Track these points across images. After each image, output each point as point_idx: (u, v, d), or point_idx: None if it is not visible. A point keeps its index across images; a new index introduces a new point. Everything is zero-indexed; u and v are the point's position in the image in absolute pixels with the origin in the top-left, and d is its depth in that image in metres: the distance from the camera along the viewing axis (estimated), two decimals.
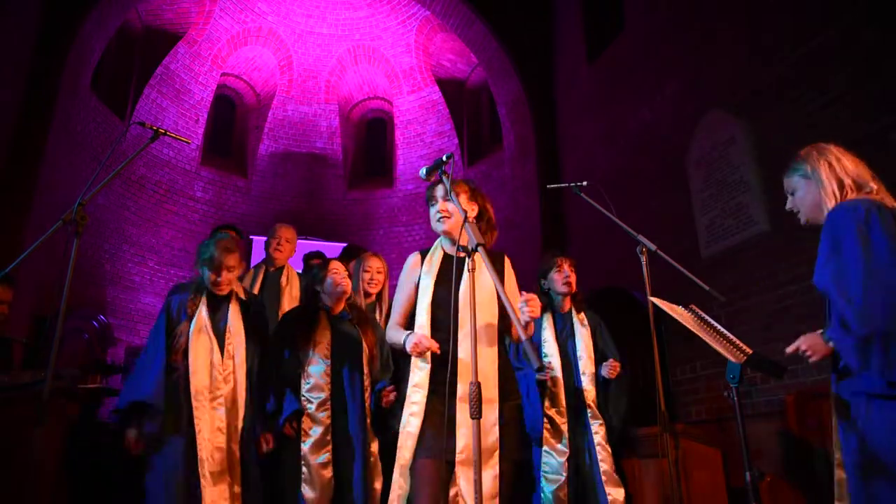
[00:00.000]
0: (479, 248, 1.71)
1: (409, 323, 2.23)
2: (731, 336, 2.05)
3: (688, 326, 2.08)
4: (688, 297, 2.47)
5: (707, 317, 2.10)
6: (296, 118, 9.38)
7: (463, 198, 2.23)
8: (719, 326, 2.07)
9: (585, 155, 6.44)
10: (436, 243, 2.30)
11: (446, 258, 2.24)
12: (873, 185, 1.86)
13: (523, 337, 1.52)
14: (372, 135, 10.01)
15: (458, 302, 2.08)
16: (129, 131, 7.43)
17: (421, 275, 2.22)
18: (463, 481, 1.95)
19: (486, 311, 2.10)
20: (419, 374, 2.10)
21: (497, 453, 1.98)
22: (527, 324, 2.01)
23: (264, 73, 9.32)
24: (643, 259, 2.75)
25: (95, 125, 7.02)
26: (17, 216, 5.30)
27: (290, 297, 3.80)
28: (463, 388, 2.00)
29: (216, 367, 2.65)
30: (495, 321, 2.13)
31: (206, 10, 8.23)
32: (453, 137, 9.12)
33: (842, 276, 1.71)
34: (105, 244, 7.31)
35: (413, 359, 2.12)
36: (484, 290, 2.11)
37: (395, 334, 2.21)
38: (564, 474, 2.95)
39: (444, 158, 1.97)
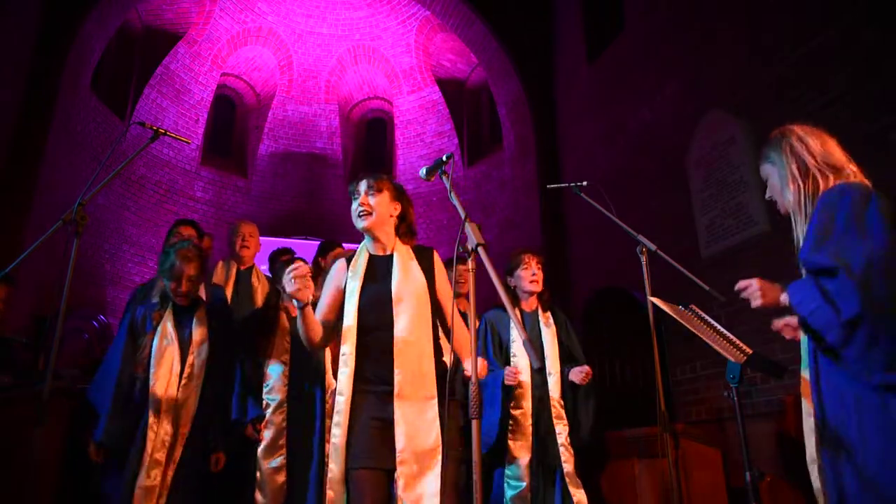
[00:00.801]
0: (479, 249, 1.70)
1: (330, 329, 2.16)
2: (731, 336, 2.04)
3: (688, 326, 2.08)
4: (688, 297, 2.47)
5: (707, 317, 2.10)
6: (296, 118, 9.37)
7: (386, 196, 2.18)
8: (719, 326, 2.07)
9: (585, 155, 6.44)
10: (360, 247, 2.23)
11: (371, 260, 2.19)
12: (852, 168, 1.77)
13: (523, 336, 1.52)
14: (372, 135, 10.00)
15: (392, 298, 2.05)
16: (129, 131, 7.42)
17: (347, 279, 2.15)
18: (408, 487, 1.88)
19: (421, 307, 2.08)
20: (342, 379, 2.03)
21: (439, 451, 1.92)
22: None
23: (264, 73, 9.32)
24: (643, 259, 2.75)
25: (95, 125, 7.01)
26: (17, 216, 5.30)
27: (263, 297, 3.77)
28: (400, 386, 1.96)
29: (174, 377, 2.61)
30: (429, 317, 2.09)
31: (206, 10, 8.23)
32: (453, 137, 9.11)
33: (840, 256, 1.57)
34: (105, 244, 7.30)
35: (340, 363, 2.06)
36: (417, 286, 2.10)
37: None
38: (526, 479, 2.89)
39: (444, 158, 1.97)
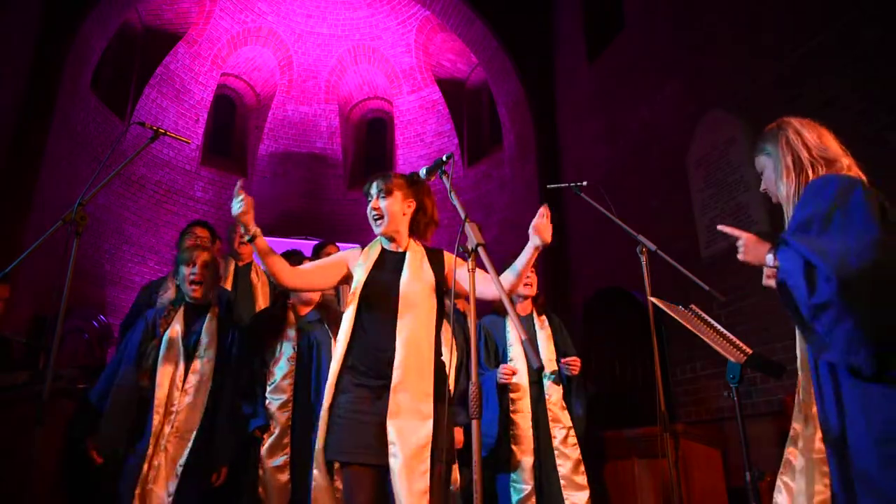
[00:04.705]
0: (479, 249, 1.70)
1: (303, 276, 2.17)
2: (731, 336, 2.05)
3: (688, 326, 2.08)
4: (688, 297, 2.47)
5: (707, 317, 2.10)
6: (296, 118, 9.37)
7: (398, 196, 2.19)
8: (719, 326, 2.07)
9: (585, 155, 6.44)
10: (376, 239, 2.26)
11: (383, 253, 2.21)
12: (845, 161, 1.77)
13: (522, 336, 1.51)
14: (372, 135, 10.00)
15: (400, 293, 2.05)
16: (129, 131, 7.42)
17: (357, 264, 2.18)
18: (398, 483, 1.86)
19: (427, 305, 2.09)
20: (333, 364, 2.04)
21: (429, 450, 1.92)
22: (541, 242, 1.98)
23: (264, 73, 9.32)
24: (643, 259, 2.75)
25: (95, 125, 7.01)
26: (17, 216, 5.30)
27: (264, 295, 3.76)
28: (399, 380, 1.96)
29: (177, 381, 2.59)
30: (433, 317, 2.10)
31: (206, 10, 8.23)
32: (453, 137, 9.11)
33: (819, 243, 1.60)
34: (105, 244, 7.30)
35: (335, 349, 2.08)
36: (425, 285, 2.11)
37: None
38: (531, 483, 2.88)
39: (444, 158, 1.97)
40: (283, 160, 9.28)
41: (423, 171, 2.05)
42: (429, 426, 1.94)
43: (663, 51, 5.26)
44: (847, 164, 1.76)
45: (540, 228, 1.98)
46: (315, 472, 1.98)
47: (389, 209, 2.17)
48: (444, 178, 1.98)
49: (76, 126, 6.52)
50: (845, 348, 1.52)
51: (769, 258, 1.70)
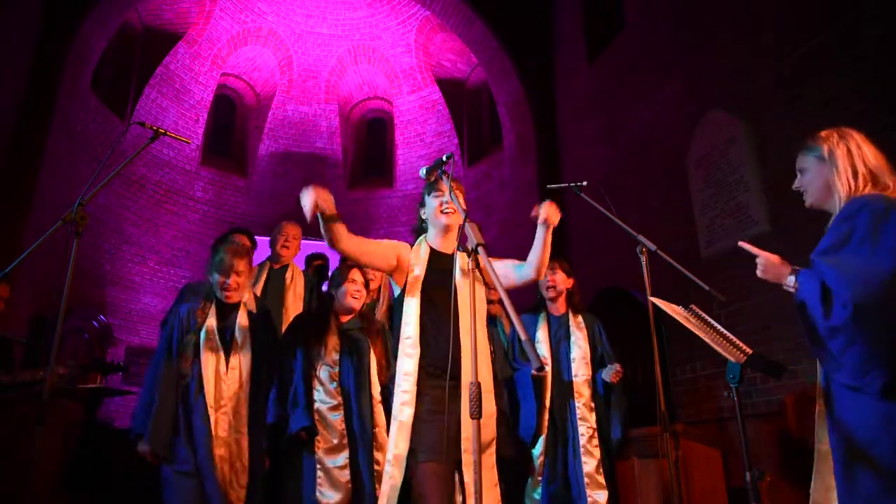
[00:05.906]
0: (480, 249, 1.70)
1: (360, 245, 2.18)
2: (731, 336, 2.05)
3: (688, 326, 2.08)
4: (688, 297, 2.47)
5: (707, 317, 2.10)
6: (296, 118, 9.37)
7: (461, 198, 2.24)
8: (719, 326, 2.07)
9: (586, 155, 6.44)
10: (419, 240, 2.29)
11: (433, 253, 2.23)
12: (889, 182, 1.79)
13: (523, 337, 1.51)
14: (372, 135, 10.00)
15: (458, 291, 2.09)
16: (129, 131, 7.42)
17: (411, 261, 2.21)
18: (475, 476, 1.94)
19: (481, 305, 2.15)
20: (408, 362, 2.08)
21: (494, 444, 2.01)
22: (545, 222, 2.18)
23: (264, 73, 9.32)
24: (643, 259, 2.75)
25: (95, 125, 7.01)
26: (17, 216, 5.30)
27: (294, 295, 3.77)
28: (467, 378, 2.00)
29: (222, 377, 2.64)
30: (485, 319, 2.19)
31: (206, 10, 8.23)
32: (453, 137, 9.11)
33: (845, 266, 1.69)
34: (105, 244, 7.30)
35: (401, 347, 2.12)
36: (480, 284, 2.14)
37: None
38: (537, 470, 2.98)
39: (444, 158, 1.97)
40: (283, 160, 9.28)
41: (423, 171, 2.05)
42: (492, 424, 2.04)
43: (663, 51, 5.26)
44: (892, 185, 1.79)
45: (548, 217, 2.17)
46: (394, 470, 1.99)
47: (457, 209, 2.21)
48: (445, 178, 1.98)
49: (76, 126, 6.51)
50: (856, 370, 1.62)
51: (790, 280, 1.79)
